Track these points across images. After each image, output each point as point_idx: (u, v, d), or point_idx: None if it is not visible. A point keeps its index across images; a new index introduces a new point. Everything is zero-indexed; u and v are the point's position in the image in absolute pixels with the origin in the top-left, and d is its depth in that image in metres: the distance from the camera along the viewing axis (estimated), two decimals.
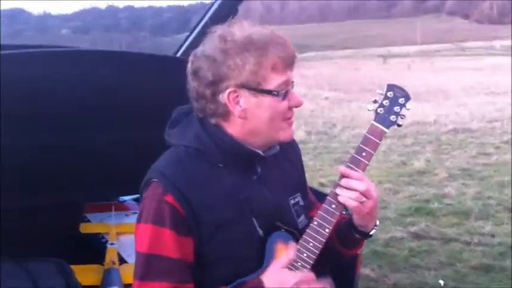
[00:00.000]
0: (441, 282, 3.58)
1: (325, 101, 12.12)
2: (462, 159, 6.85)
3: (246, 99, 1.32)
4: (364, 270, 3.62)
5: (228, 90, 1.31)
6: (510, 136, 7.98)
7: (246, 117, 1.33)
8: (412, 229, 4.49)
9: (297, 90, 1.40)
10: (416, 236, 4.37)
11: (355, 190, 1.33)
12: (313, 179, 5.87)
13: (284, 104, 1.34)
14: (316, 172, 6.34)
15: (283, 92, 1.33)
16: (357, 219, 1.41)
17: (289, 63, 1.33)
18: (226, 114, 1.34)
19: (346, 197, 1.34)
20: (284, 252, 1.36)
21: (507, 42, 27.88)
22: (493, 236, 4.33)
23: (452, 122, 9.12)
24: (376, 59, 22.11)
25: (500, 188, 5.58)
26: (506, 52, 24.01)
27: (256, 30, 1.32)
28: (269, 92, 1.31)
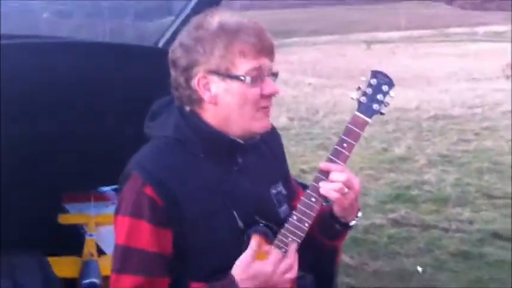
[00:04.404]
0: (419, 269, 3.63)
1: (308, 87, 12.08)
2: (442, 145, 6.90)
3: (216, 85, 1.33)
4: (344, 258, 3.64)
5: (198, 76, 1.32)
6: (490, 122, 8.05)
7: (217, 104, 1.34)
8: (392, 216, 4.55)
9: (280, 76, 1.39)
10: (396, 222, 4.43)
11: (336, 181, 1.33)
12: (294, 166, 5.87)
13: (254, 91, 1.33)
14: (298, 158, 6.35)
15: (250, 78, 1.31)
16: (337, 211, 1.41)
17: (261, 50, 1.32)
18: (199, 100, 1.35)
19: (328, 189, 1.34)
20: (256, 245, 1.35)
21: (490, 29, 27.99)
22: (471, 222, 4.40)
23: (433, 109, 9.14)
24: (360, 44, 22.00)
25: (479, 175, 5.65)
26: (489, 38, 24.10)
27: (231, 18, 1.33)
28: (237, 78, 1.31)
